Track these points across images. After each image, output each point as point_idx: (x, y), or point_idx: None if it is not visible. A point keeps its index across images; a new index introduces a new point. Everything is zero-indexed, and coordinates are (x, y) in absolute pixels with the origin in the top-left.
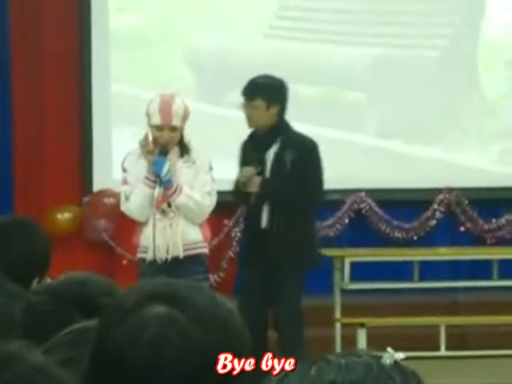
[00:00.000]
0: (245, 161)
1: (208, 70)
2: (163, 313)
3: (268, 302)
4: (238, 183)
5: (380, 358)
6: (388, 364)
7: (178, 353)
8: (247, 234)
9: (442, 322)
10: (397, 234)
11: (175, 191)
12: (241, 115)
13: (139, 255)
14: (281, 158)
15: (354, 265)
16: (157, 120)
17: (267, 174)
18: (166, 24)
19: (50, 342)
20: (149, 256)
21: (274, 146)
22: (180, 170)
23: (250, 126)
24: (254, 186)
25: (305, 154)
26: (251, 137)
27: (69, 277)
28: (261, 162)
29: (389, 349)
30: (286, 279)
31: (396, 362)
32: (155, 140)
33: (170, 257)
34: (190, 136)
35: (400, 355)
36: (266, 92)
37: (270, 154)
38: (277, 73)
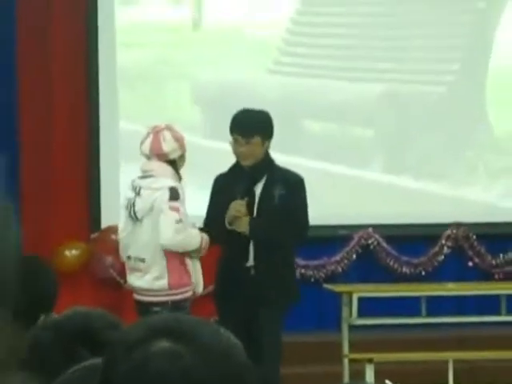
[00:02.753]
0: (227, 194)
1: (215, 107)
2: (167, 348)
3: (247, 339)
4: (224, 219)
5: None
6: None
7: None
8: (228, 271)
9: (450, 357)
10: (405, 270)
11: None
12: None
13: (187, 294)
14: (269, 192)
15: (361, 300)
16: None
17: (255, 209)
18: (172, 60)
19: (59, 379)
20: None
21: (262, 180)
22: None
23: (248, 163)
24: (243, 225)
25: (293, 189)
26: (232, 171)
27: (73, 311)
28: (250, 196)
29: (387, 381)
30: (269, 317)
31: None
32: None
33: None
34: (201, 172)
35: None
36: (262, 128)
37: (258, 189)
38: (283, 108)
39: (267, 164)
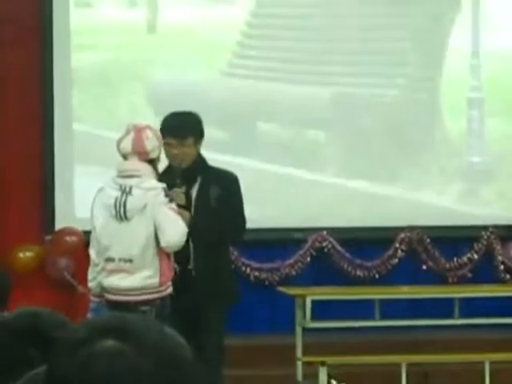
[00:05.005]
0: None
1: (169, 108)
2: (112, 347)
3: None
4: None
5: None
6: None
7: None
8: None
9: (404, 360)
10: (359, 273)
11: None
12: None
13: (170, 288)
14: (205, 193)
15: (315, 303)
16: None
17: (192, 210)
18: (127, 62)
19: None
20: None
21: (196, 181)
22: None
23: (184, 164)
24: (185, 218)
25: (228, 188)
26: (165, 174)
27: (21, 310)
28: (186, 198)
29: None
30: (209, 319)
31: None
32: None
33: None
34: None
35: None
36: (194, 129)
37: (194, 190)
38: (237, 111)
39: (201, 165)
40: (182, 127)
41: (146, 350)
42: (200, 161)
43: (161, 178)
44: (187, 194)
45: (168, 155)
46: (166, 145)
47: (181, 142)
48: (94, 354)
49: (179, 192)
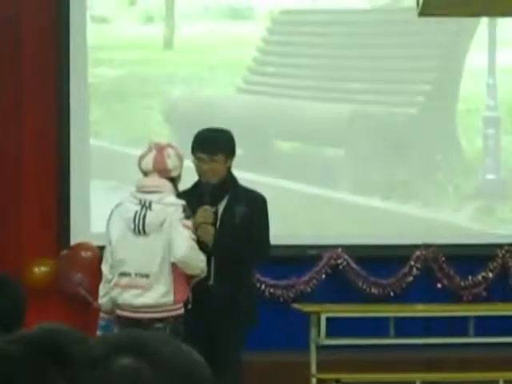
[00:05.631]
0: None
1: (185, 125)
2: (129, 365)
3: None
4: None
5: None
6: None
7: None
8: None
9: (418, 378)
10: (373, 290)
11: None
12: None
13: (183, 309)
14: (231, 211)
15: (330, 320)
16: None
17: (217, 226)
18: (143, 78)
19: None
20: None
21: (224, 199)
22: None
23: (213, 181)
24: (208, 234)
25: (255, 208)
26: (194, 189)
27: (41, 326)
28: (215, 215)
29: None
30: (228, 339)
31: None
32: None
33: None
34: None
35: None
36: (226, 146)
37: (220, 207)
38: (253, 127)
39: (230, 182)
40: (214, 143)
41: (164, 368)
42: (230, 179)
43: (189, 192)
44: (215, 213)
45: (198, 170)
46: (197, 159)
47: (211, 158)
48: (112, 372)
49: (209, 210)
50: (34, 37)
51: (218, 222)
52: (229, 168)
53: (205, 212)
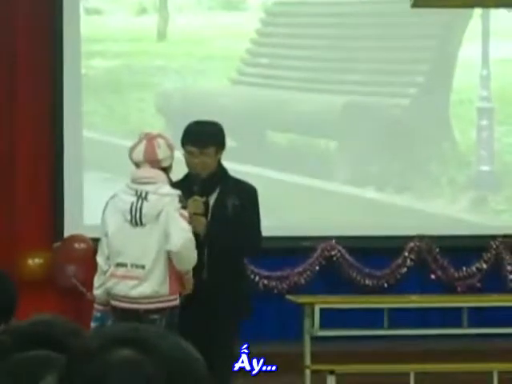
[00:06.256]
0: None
1: (178, 116)
2: (128, 357)
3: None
4: None
5: None
6: None
7: None
8: None
9: (412, 369)
10: (367, 282)
11: None
12: None
13: (178, 300)
14: (223, 202)
15: (324, 312)
16: None
17: (209, 218)
18: (136, 70)
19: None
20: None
21: (215, 191)
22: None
23: (203, 173)
24: (200, 225)
25: (246, 199)
26: (184, 181)
27: (35, 317)
28: (205, 205)
29: None
30: (221, 331)
31: None
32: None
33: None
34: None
35: None
36: (216, 139)
37: (212, 199)
38: (247, 119)
39: (221, 174)
40: (204, 136)
41: (163, 362)
42: (220, 171)
43: (179, 185)
44: (205, 203)
45: (188, 163)
46: (187, 153)
47: (201, 151)
48: (110, 364)
49: (199, 200)
50: (27, 28)
51: (210, 214)
52: (219, 160)
53: (195, 202)
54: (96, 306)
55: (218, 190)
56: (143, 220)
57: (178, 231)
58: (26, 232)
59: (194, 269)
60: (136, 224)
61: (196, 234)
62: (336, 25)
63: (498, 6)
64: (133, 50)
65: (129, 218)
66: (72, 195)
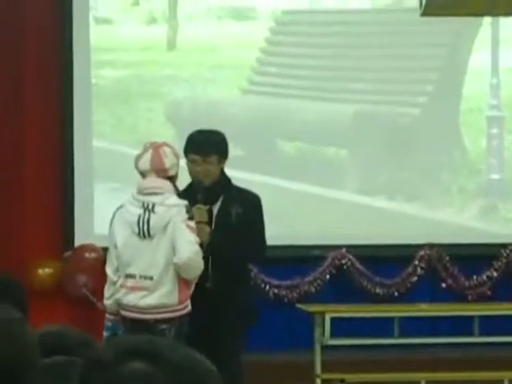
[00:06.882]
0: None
1: (188, 126)
2: (140, 369)
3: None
4: None
5: None
6: None
7: None
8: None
9: (423, 378)
10: (378, 290)
11: None
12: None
13: (189, 307)
14: (226, 211)
15: (334, 321)
16: None
17: (213, 226)
18: (146, 79)
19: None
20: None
21: (219, 200)
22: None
23: (205, 181)
24: (204, 234)
25: (250, 208)
26: (188, 191)
27: (46, 328)
28: (209, 214)
29: None
30: (227, 340)
31: None
32: None
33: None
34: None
35: None
36: (219, 148)
37: (215, 208)
38: (257, 128)
39: (224, 183)
40: (206, 144)
41: (175, 375)
42: (223, 179)
43: (183, 194)
44: (209, 212)
45: (191, 172)
46: (190, 161)
47: (204, 160)
48: (122, 376)
49: (203, 209)
50: (36, 38)
51: (214, 223)
52: (222, 169)
53: (199, 210)
54: (107, 315)
55: (221, 199)
56: (151, 232)
57: (184, 244)
58: (36, 241)
59: (198, 277)
60: (144, 236)
61: (199, 243)
62: (346, 33)
63: (507, 14)
64: (142, 60)
65: (136, 230)
66: (82, 204)
